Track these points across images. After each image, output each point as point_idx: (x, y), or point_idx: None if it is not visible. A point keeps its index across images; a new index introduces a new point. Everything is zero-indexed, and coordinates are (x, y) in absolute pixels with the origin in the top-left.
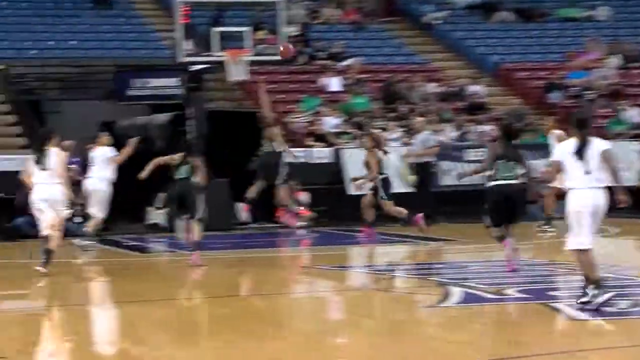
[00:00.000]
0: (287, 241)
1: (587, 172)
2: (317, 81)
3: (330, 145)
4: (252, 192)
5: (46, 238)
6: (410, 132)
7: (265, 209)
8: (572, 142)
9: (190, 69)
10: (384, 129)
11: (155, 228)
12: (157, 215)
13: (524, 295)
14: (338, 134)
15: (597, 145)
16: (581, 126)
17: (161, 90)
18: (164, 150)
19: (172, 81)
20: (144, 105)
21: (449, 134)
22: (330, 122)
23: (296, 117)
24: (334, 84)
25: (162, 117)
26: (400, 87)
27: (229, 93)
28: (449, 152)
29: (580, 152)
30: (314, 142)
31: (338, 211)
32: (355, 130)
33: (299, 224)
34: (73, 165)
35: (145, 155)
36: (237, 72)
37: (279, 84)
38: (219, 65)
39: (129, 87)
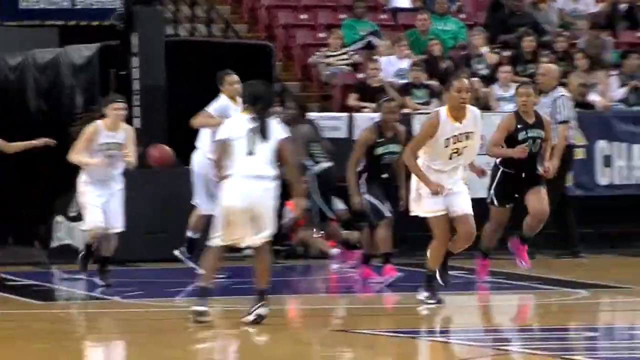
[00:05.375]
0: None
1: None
2: None
3: None
4: None
5: None
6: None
7: None
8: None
9: None
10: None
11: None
12: (68, 230)
13: None
14: (406, 89)
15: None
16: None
17: (81, 2)
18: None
19: None
20: (49, 29)
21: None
22: (393, 66)
23: (329, 57)
24: None
25: (81, 52)
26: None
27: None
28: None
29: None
30: (360, 103)
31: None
32: (437, 82)
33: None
34: None
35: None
36: None
37: None
38: None
39: None
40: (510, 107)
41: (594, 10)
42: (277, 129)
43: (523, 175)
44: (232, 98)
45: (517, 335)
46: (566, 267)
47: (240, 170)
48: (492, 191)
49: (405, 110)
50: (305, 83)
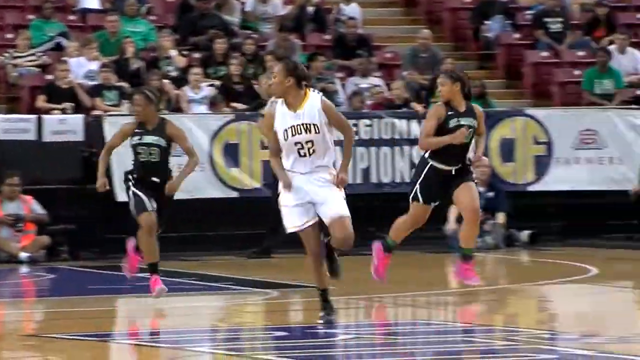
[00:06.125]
0: None
1: None
2: None
3: (81, 110)
4: None
5: None
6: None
7: None
8: None
9: None
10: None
11: None
12: None
13: None
14: (96, 91)
15: None
16: None
17: None
18: None
19: None
20: None
21: None
22: (83, 68)
23: (16, 58)
24: None
25: None
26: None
27: None
28: None
29: None
30: (49, 105)
31: (93, 233)
32: (127, 85)
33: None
34: None
35: None
36: None
37: None
38: None
39: None
40: (202, 108)
41: (282, 13)
42: None
43: (453, 172)
44: None
45: (208, 336)
46: (257, 267)
47: None
48: (417, 186)
49: (96, 112)
50: None
